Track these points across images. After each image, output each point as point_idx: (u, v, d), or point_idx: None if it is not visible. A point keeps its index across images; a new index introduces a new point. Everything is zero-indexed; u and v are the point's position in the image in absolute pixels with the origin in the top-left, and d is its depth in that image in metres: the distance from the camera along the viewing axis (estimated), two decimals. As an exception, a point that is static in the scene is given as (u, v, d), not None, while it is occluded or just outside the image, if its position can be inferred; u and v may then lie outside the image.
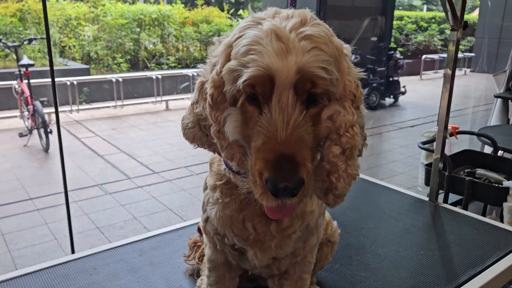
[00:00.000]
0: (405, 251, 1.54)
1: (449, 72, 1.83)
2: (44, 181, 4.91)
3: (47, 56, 9.23)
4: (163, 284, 1.33)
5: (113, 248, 1.53)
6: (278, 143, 0.68)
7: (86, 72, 8.85)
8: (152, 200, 4.45)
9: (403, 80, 9.99)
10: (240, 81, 0.71)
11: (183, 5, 11.85)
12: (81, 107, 7.98)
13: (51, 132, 5.81)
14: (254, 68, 0.70)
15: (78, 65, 9.21)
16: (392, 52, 9.56)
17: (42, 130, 5.82)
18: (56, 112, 2.11)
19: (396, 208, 1.89)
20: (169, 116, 8.31)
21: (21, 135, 6.16)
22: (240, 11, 14.29)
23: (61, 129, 7.22)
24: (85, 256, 1.47)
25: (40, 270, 1.38)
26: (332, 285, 1.33)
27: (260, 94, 0.72)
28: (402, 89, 9.70)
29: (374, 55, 9.39)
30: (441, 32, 16.23)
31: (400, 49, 11.20)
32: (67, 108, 7.76)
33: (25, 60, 6.04)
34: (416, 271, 1.42)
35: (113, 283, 1.33)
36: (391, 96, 9.72)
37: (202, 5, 12.25)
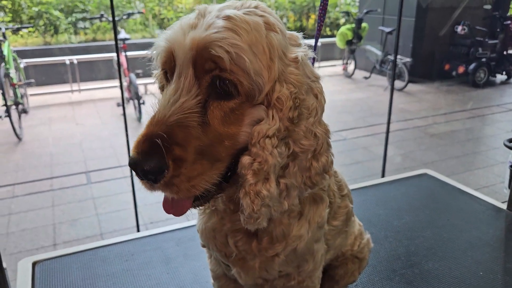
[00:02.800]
0: (461, 269, 1.35)
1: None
2: (134, 150, 5.28)
3: (147, 28, 9.79)
4: (190, 278, 1.33)
5: (153, 235, 1.57)
6: (152, 123, 0.63)
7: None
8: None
9: (520, 54, 8.74)
10: (154, 54, 0.71)
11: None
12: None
13: (144, 103, 6.19)
14: (160, 41, 0.68)
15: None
16: (508, 22, 8.40)
17: (136, 101, 6.23)
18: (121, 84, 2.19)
19: (464, 216, 1.67)
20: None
21: (118, 104, 6.68)
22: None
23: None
24: (126, 241, 1.53)
25: (82, 251, 1.46)
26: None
27: (168, 69, 0.68)
28: (518, 65, 8.52)
29: (485, 26, 8.34)
30: None
31: (520, 18, 9.78)
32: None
33: (122, 34, 6.47)
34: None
35: (144, 272, 1.36)
36: (503, 73, 8.60)
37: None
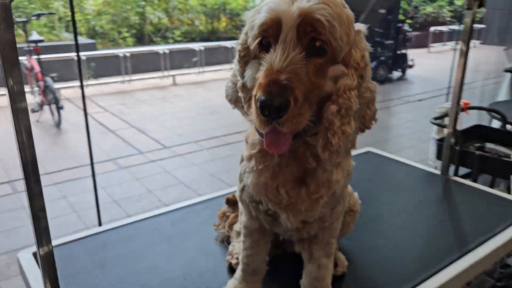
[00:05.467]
0: (419, 221, 1.64)
1: (464, 48, 1.87)
2: (58, 156, 5.03)
3: (53, 31, 9.22)
4: (197, 251, 1.44)
5: (147, 218, 1.64)
6: (273, 71, 0.79)
7: (93, 46, 8.85)
8: (165, 174, 4.57)
9: (411, 53, 9.91)
10: (256, 23, 0.84)
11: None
12: (89, 82, 8.04)
13: (62, 107, 5.89)
14: (265, 12, 0.82)
15: (84, 39, 9.19)
16: (400, 25, 9.47)
17: (53, 106, 5.90)
18: (82, 87, 2.17)
19: (408, 181, 1.99)
20: (177, 91, 8.36)
21: (32, 111, 6.25)
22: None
23: (71, 104, 7.31)
24: (120, 226, 1.58)
25: (79, 239, 1.49)
26: (352, 251, 1.44)
27: (271, 35, 0.83)
28: (410, 63, 9.65)
29: (382, 28, 9.30)
30: (451, 3, 15.95)
31: (409, 21, 11.05)
32: (76, 83, 7.81)
33: (34, 36, 6.08)
34: (430, 240, 1.52)
35: (150, 250, 1.44)
36: (399, 70, 9.68)
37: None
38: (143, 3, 10.44)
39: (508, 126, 2.62)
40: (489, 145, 2.38)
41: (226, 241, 1.48)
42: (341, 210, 1.08)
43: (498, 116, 2.59)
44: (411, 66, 9.61)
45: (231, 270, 1.32)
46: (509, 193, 2.20)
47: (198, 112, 6.92)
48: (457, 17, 15.62)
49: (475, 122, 2.77)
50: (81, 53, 7.78)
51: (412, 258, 1.41)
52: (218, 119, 6.53)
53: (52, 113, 6.05)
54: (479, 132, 2.54)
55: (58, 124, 5.92)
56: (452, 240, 1.52)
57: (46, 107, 6.18)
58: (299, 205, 0.98)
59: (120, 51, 8.32)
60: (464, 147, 2.30)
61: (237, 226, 1.42)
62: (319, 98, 0.85)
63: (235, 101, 1.00)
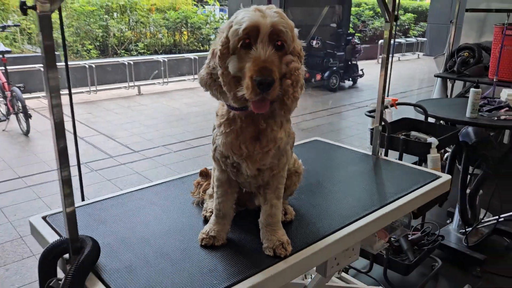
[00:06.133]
0: (353, 187, 2.09)
1: (385, 57, 2.38)
2: (29, 162, 5.22)
3: (14, 43, 9.29)
4: (179, 211, 1.81)
5: (134, 191, 2.00)
6: (261, 61, 1.21)
7: (57, 58, 8.98)
8: (136, 175, 4.88)
9: (361, 64, 10.71)
10: (241, 29, 1.24)
11: (149, -8, 12.03)
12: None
13: (30, 116, 6.07)
14: (248, 22, 1.23)
15: (47, 52, 9.29)
16: (350, 37, 10.23)
17: (22, 115, 6.07)
18: (70, 95, 2.48)
19: (347, 160, 2.46)
20: (142, 100, 8.64)
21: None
22: (206, -2, 14.54)
23: (37, 114, 7.43)
24: (113, 196, 1.94)
25: (81, 206, 1.84)
26: (299, 207, 1.86)
27: (251, 37, 1.24)
28: (360, 72, 10.42)
29: (333, 41, 10.02)
30: (396, 18, 17.08)
31: (358, 34, 11.91)
32: (41, 94, 7.95)
33: (1, 47, 6.24)
34: (361, 198, 1.96)
35: (143, 210, 1.80)
36: (350, 79, 10.43)
37: (168, -8, 12.46)
38: (106, 16, 10.67)
39: (429, 119, 3.17)
40: (413, 133, 2.91)
41: (201, 203, 1.87)
42: (285, 162, 1.50)
43: (421, 110, 3.14)
44: (361, 76, 10.39)
45: (206, 221, 1.71)
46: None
47: (164, 119, 7.26)
48: (402, 31, 16.79)
49: (411, 116, 3.31)
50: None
51: (345, 210, 1.83)
52: (183, 125, 6.89)
53: (20, 122, 6.21)
54: (407, 123, 3.08)
55: (26, 133, 6.09)
56: (375, 198, 1.98)
57: (13, 117, 6.33)
58: (255, 156, 1.40)
59: (86, 62, 8.53)
60: (393, 134, 2.81)
61: (210, 191, 1.81)
62: (281, 76, 1.29)
63: (209, 86, 1.39)
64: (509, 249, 3.54)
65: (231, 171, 1.49)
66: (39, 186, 4.56)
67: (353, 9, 14.57)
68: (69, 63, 8.68)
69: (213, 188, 1.67)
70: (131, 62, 9.10)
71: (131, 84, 9.10)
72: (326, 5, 9.71)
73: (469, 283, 3.06)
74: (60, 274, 1.41)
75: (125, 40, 11.08)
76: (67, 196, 1.37)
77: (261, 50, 1.22)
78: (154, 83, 9.62)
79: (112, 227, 1.67)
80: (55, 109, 1.30)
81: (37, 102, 7.88)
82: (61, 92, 1.37)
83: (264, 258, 1.47)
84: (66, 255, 1.43)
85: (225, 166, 1.49)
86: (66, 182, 1.36)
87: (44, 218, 1.75)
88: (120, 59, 9.44)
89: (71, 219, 1.39)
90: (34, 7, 1.16)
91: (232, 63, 1.28)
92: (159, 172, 4.96)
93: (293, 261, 1.47)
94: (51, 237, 1.58)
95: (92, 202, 1.89)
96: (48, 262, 1.43)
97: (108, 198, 1.93)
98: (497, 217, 3.43)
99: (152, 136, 6.32)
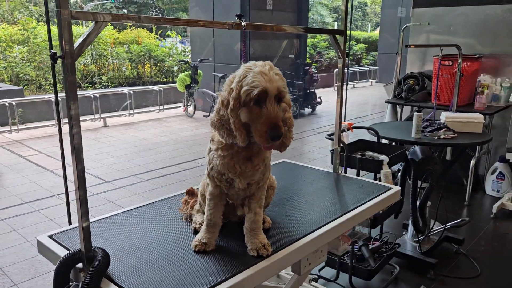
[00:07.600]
0: (319, 199, 2.42)
1: (340, 86, 2.79)
2: (0, 196, 5.25)
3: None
4: (170, 225, 2.06)
5: (126, 211, 2.24)
6: (272, 118, 1.53)
7: (20, 93, 9.01)
8: (110, 204, 5.02)
9: (319, 92, 11.36)
10: (254, 93, 1.53)
11: (112, 27, 12.28)
12: (20, 127, 8.17)
13: (-2, 151, 6.10)
14: (259, 87, 1.53)
15: (10, 86, 9.30)
16: (307, 67, 10.87)
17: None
18: (59, 125, 2.70)
19: (312, 177, 2.80)
20: (109, 132, 8.75)
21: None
22: (168, 32, 14.94)
23: (1, 149, 7.39)
24: (109, 216, 2.18)
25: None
26: (275, 217, 2.15)
27: (261, 98, 1.54)
28: (318, 100, 11.04)
29: (292, 71, 10.62)
30: (350, 48, 18.18)
31: (315, 64, 12.61)
32: (5, 128, 7.92)
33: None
34: (325, 207, 2.29)
35: (138, 226, 2.04)
36: (309, 106, 11.01)
37: (131, 26, 12.76)
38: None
39: (382, 140, 3.60)
40: (368, 153, 3.31)
41: (189, 218, 2.15)
42: (267, 176, 1.83)
43: (374, 133, 3.58)
44: (319, 103, 11.01)
45: (196, 232, 1.97)
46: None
47: (133, 150, 7.42)
48: (355, 60, 17.83)
49: (366, 138, 3.73)
50: (11, 99, 7.98)
51: (313, 218, 2.15)
52: (152, 155, 7.08)
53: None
54: (362, 144, 3.49)
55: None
56: (338, 207, 2.31)
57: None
58: (246, 173, 1.71)
59: (51, 96, 8.59)
60: (351, 154, 3.21)
61: (197, 206, 2.10)
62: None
63: (218, 129, 1.67)
64: (458, 253, 3.98)
65: (224, 185, 1.80)
66: (12, 219, 4.62)
67: (309, 40, 15.43)
68: (35, 96, 8.74)
69: (200, 204, 1.96)
70: (97, 95, 9.23)
71: (97, 116, 9.21)
72: (285, 38, 10.34)
73: (424, 285, 3.44)
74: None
75: (89, 74, 11.20)
76: (83, 213, 1.63)
77: (271, 109, 1.53)
78: (120, 115, 9.77)
79: (114, 240, 1.91)
80: (76, 136, 1.57)
81: (1, 137, 7.84)
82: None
83: (250, 258, 1.76)
84: (79, 265, 1.67)
85: (220, 182, 1.79)
86: (82, 202, 1.62)
87: (50, 236, 1.97)
88: (85, 92, 9.56)
89: (86, 232, 1.64)
90: (62, 57, 1.44)
91: (244, 114, 1.58)
92: (132, 201, 5.12)
93: (273, 260, 1.77)
94: (61, 252, 1.81)
95: (92, 221, 2.12)
96: (62, 272, 1.67)
97: (105, 218, 2.16)
98: (444, 225, 3.87)
99: (122, 166, 6.46)
